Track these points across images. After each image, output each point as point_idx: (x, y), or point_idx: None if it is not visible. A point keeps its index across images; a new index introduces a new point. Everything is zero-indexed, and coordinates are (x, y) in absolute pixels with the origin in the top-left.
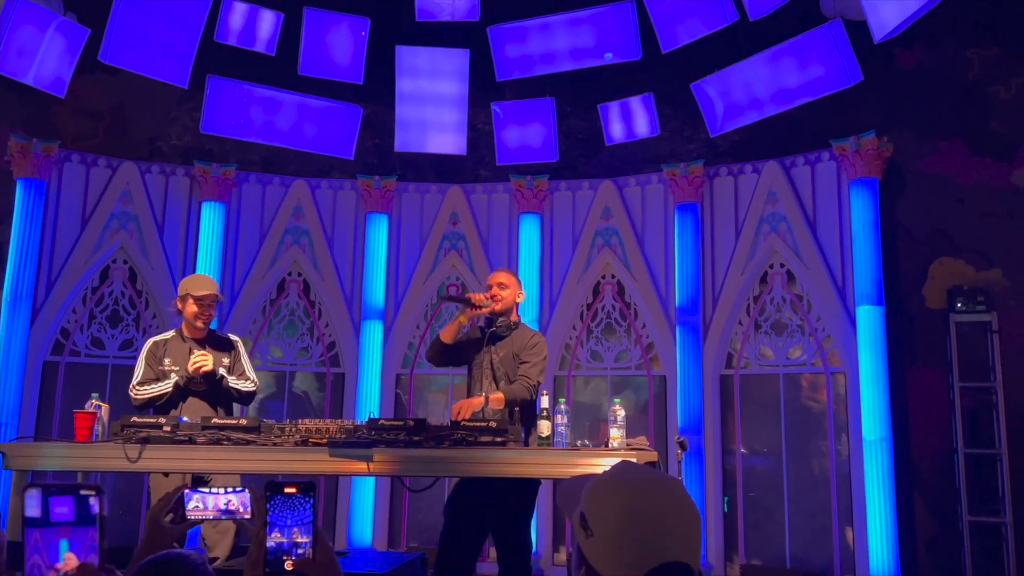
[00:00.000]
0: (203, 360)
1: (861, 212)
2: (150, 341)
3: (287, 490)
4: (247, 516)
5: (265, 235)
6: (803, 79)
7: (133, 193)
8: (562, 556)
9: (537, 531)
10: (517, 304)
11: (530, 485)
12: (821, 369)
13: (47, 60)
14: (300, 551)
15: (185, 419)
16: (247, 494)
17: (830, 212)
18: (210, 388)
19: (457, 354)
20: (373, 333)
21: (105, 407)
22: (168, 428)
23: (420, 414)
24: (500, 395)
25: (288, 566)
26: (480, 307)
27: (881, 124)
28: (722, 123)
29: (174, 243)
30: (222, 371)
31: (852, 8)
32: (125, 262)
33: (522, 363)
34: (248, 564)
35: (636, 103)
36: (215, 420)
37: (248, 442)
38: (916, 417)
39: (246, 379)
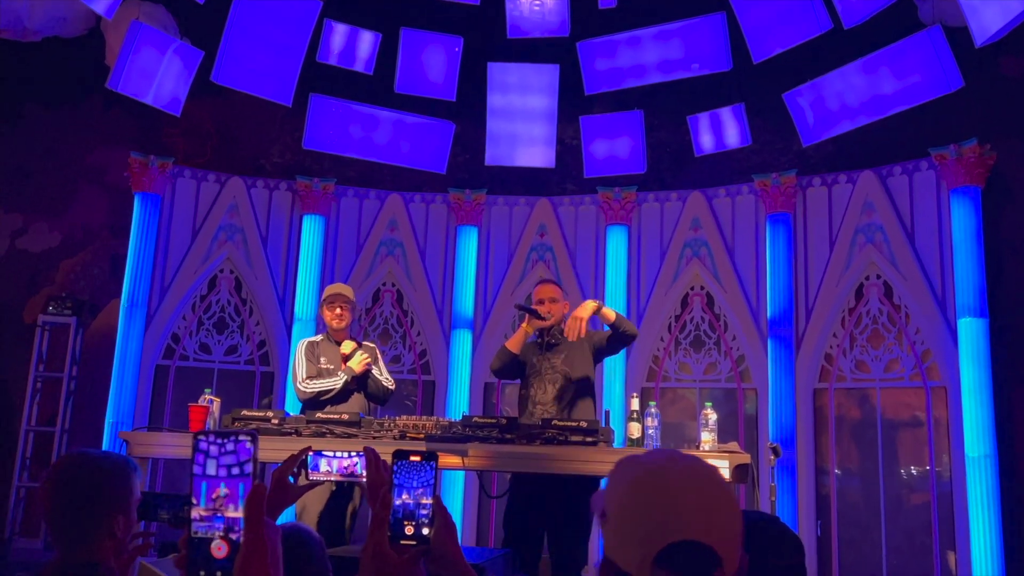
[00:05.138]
0: (367, 357)
1: (962, 221)
2: (303, 342)
3: (412, 458)
4: (364, 479)
5: (362, 247)
6: (899, 86)
7: (239, 206)
8: None
9: None
10: (564, 315)
11: (585, 489)
12: (920, 383)
13: (165, 81)
14: (423, 512)
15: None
16: (365, 458)
17: (929, 222)
18: (361, 385)
19: (517, 364)
20: (463, 342)
21: (217, 401)
22: (276, 421)
23: None
24: (613, 313)
25: (408, 531)
26: (545, 319)
27: (983, 132)
28: (815, 133)
29: (277, 254)
30: (374, 370)
31: (952, 14)
32: (231, 272)
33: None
34: (374, 524)
35: (726, 114)
36: (319, 415)
37: (350, 435)
38: (1023, 434)
39: (386, 379)
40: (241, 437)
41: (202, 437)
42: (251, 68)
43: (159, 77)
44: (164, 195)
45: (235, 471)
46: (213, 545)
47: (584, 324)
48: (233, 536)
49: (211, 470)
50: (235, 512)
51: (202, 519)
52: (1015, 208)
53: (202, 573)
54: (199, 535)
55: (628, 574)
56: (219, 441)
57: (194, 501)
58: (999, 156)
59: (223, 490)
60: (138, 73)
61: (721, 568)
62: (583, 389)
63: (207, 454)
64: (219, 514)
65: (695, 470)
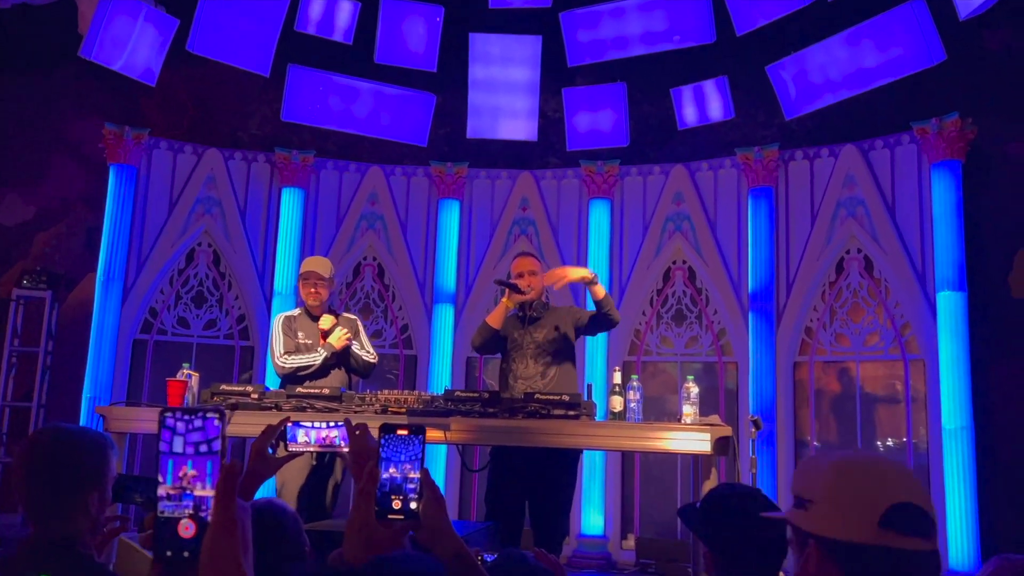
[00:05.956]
0: (347, 333)
1: (942, 196)
2: (280, 316)
3: (400, 431)
4: (345, 449)
5: (342, 220)
6: (882, 60)
7: (217, 179)
8: (630, 543)
9: (605, 517)
10: (544, 288)
11: (566, 462)
12: (899, 356)
13: (139, 50)
14: (411, 486)
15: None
16: (344, 428)
17: (910, 196)
18: (341, 360)
19: (498, 340)
20: (445, 317)
21: (195, 376)
22: (255, 395)
23: None
24: (604, 291)
25: (396, 505)
26: (525, 293)
27: (965, 106)
28: (798, 106)
29: (255, 227)
30: (355, 345)
31: None
32: (209, 245)
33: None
34: (360, 497)
35: (710, 87)
36: (299, 389)
37: (331, 410)
38: (1000, 408)
39: (368, 352)
40: (209, 414)
41: (169, 414)
42: (228, 37)
43: (133, 46)
44: (140, 167)
45: (203, 449)
46: (181, 524)
47: (564, 280)
48: (202, 514)
49: (178, 448)
50: (203, 490)
51: (169, 498)
52: (995, 182)
53: (169, 553)
54: (166, 514)
55: (848, 542)
56: (186, 418)
57: (160, 479)
58: (980, 130)
59: (190, 469)
60: (111, 42)
61: (934, 536)
62: (565, 363)
63: (174, 431)
64: (187, 492)
65: (885, 457)
